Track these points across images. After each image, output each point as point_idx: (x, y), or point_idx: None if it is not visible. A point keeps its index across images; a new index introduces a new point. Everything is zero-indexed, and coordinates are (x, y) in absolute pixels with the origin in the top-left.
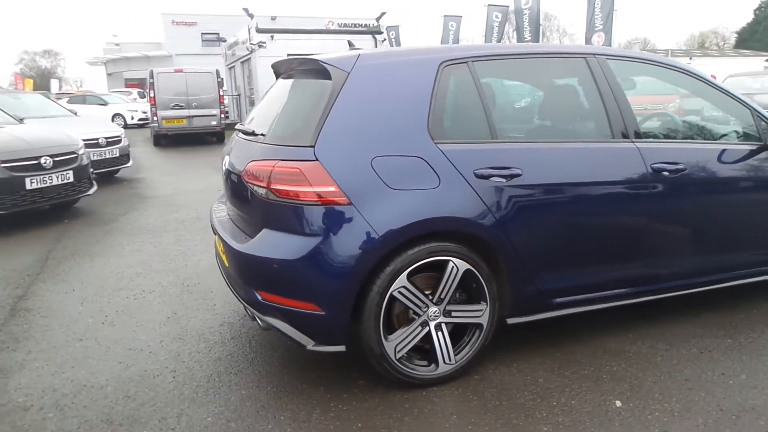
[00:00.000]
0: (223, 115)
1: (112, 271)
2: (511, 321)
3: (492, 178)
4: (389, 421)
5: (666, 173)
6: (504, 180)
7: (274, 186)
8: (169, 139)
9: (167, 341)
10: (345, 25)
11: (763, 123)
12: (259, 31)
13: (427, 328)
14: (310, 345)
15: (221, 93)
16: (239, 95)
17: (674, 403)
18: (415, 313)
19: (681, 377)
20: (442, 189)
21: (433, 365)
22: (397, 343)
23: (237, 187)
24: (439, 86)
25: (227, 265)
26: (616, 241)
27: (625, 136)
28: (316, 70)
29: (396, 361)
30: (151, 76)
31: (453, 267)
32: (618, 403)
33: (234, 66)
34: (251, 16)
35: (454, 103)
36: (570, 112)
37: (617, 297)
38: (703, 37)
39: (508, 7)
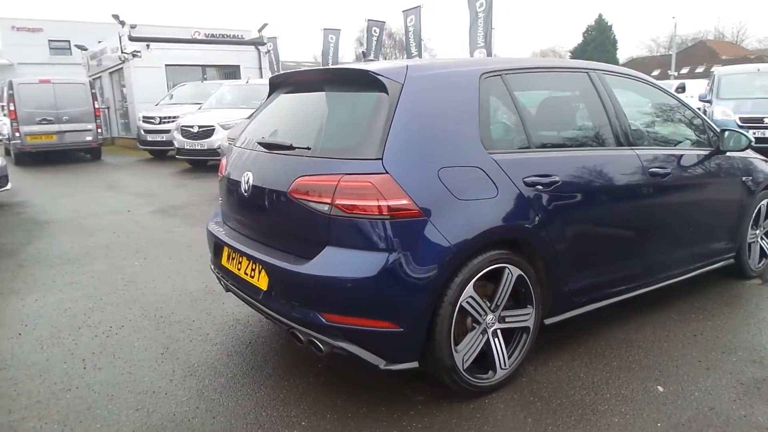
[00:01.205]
0: (99, 130)
1: (56, 309)
2: (547, 321)
3: (537, 186)
4: None
5: (658, 177)
6: (546, 187)
7: (340, 201)
8: (33, 158)
9: (178, 379)
10: (213, 35)
11: (711, 132)
12: (132, 39)
13: (486, 336)
14: (382, 364)
15: (97, 106)
16: (108, 108)
17: (702, 382)
18: (475, 321)
19: (693, 359)
20: (500, 198)
21: (490, 372)
22: (464, 354)
23: (274, 205)
24: (482, 97)
25: (265, 288)
26: (625, 239)
27: (626, 144)
28: (364, 80)
29: (464, 372)
30: (10, 87)
31: (508, 273)
32: (660, 389)
33: (100, 77)
34: (123, 23)
35: (495, 113)
36: (586, 122)
37: (624, 291)
38: (544, 55)
39: (384, 22)
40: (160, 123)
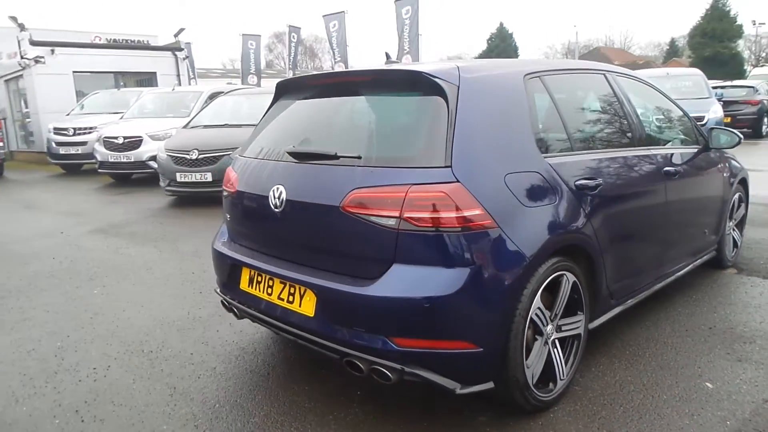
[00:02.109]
0: (1, 143)
1: (16, 352)
2: (591, 326)
3: (585, 189)
4: None
5: (670, 175)
6: (592, 190)
7: (410, 214)
8: None
9: (204, 425)
10: (115, 41)
11: (697, 130)
12: (34, 43)
13: (547, 347)
14: (458, 389)
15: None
16: (4, 119)
17: (743, 375)
18: (538, 333)
19: (722, 352)
20: (559, 203)
21: (551, 384)
22: (533, 368)
23: (321, 221)
24: (529, 99)
25: (311, 314)
26: (649, 237)
27: (645, 144)
28: (417, 82)
29: (534, 388)
30: None
31: (566, 281)
32: (709, 385)
33: None
34: (22, 26)
35: (541, 115)
36: (614, 123)
37: (645, 289)
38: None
39: (300, 28)
40: (74, 134)
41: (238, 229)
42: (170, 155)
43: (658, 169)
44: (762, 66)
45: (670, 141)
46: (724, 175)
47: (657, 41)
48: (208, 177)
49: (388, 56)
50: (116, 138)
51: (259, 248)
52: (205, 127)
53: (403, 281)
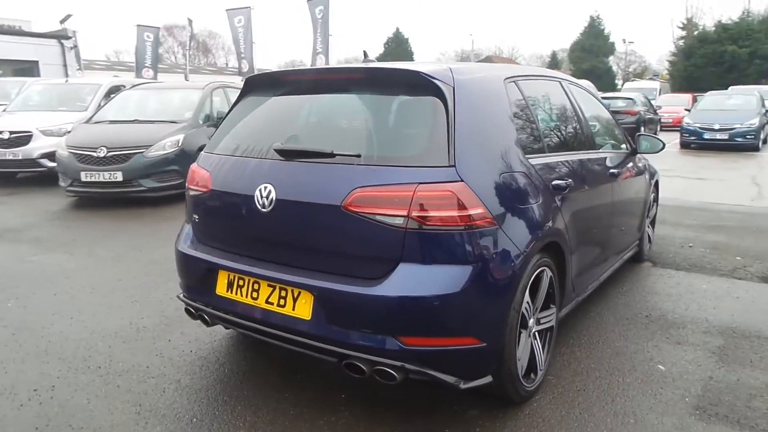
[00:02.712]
0: None
1: None
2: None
3: (558, 189)
4: None
5: (614, 176)
6: (563, 190)
7: (418, 213)
8: None
9: None
10: None
11: (625, 136)
12: None
13: (530, 340)
14: (461, 384)
15: None
16: None
17: (686, 356)
18: (523, 326)
19: (662, 337)
20: (542, 203)
21: (532, 374)
22: (522, 360)
23: (318, 221)
24: (510, 102)
25: (308, 317)
26: (601, 234)
27: (595, 147)
28: (413, 82)
29: (523, 380)
30: None
31: (546, 275)
32: (661, 368)
33: None
34: None
35: (518, 118)
36: (572, 127)
37: (594, 281)
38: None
39: (159, 28)
40: None
41: (212, 230)
42: (73, 153)
43: (606, 171)
44: (633, 80)
45: (608, 145)
46: (646, 176)
47: (540, 53)
48: (119, 176)
49: (366, 54)
50: (1, 133)
51: (239, 250)
52: (111, 122)
53: (411, 280)
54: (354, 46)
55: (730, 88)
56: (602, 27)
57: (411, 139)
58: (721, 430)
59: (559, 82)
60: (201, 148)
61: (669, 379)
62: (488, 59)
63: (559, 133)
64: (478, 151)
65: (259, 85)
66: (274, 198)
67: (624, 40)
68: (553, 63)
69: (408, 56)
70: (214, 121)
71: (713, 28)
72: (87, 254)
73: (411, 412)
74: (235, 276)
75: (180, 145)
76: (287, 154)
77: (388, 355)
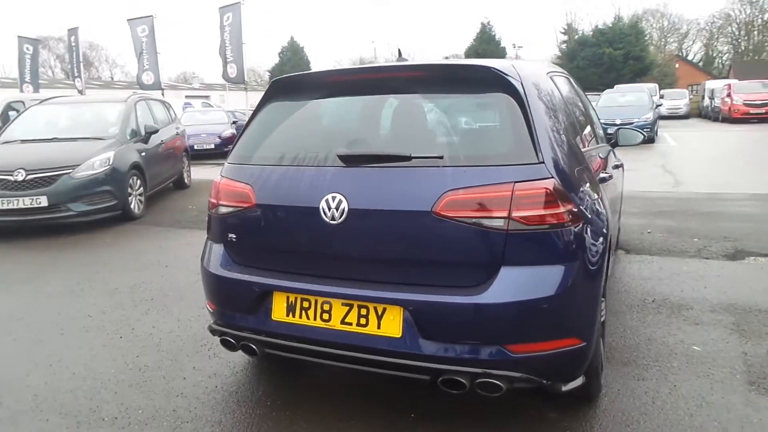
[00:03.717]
0: None
1: None
2: None
3: (603, 182)
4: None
5: (618, 167)
6: (605, 182)
7: (519, 213)
8: None
9: None
10: None
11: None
12: None
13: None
14: (563, 387)
15: None
16: None
17: (709, 334)
18: None
19: (679, 321)
20: (601, 196)
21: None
22: (600, 357)
23: (403, 230)
24: (559, 96)
25: (398, 333)
26: (613, 224)
27: (602, 140)
28: (485, 79)
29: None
30: None
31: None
32: (697, 348)
33: None
34: None
35: (566, 112)
36: (590, 121)
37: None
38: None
39: (39, 41)
40: None
41: (258, 249)
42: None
43: (614, 162)
44: None
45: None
46: (621, 169)
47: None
48: (43, 201)
49: (400, 53)
50: None
51: (299, 269)
52: (24, 142)
53: (518, 284)
54: (246, 56)
55: (616, 86)
56: (493, 33)
57: (494, 137)
58: None
59: (568, 78)
60: (135, 166)
61: (710, 359)
62: None
63: (587, 127)
64: (555, 146)
65: (292, 87)
66: (346, 208)
67: (514, 44)
68: None
69: (305, 65)
70: (142, 137)
71: (591, 33)
72: (32, 291)
73: (488, 419)
74: (297, 297)
75: (111, 163)
76: (354, 160)
77: (495, 365)
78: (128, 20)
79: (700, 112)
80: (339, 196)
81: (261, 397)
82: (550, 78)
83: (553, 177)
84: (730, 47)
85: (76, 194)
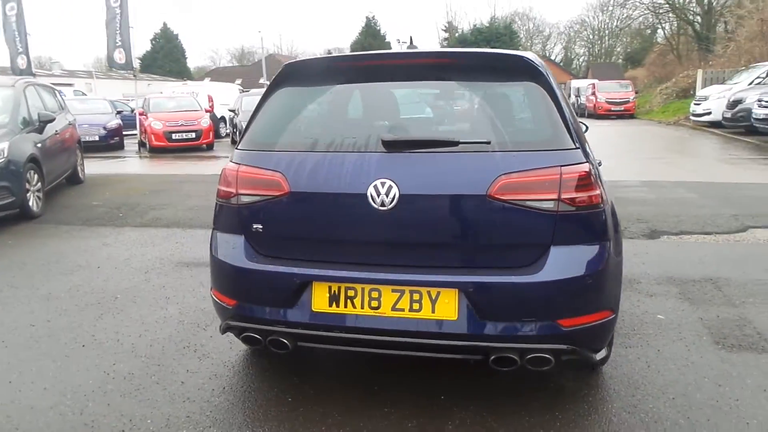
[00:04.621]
0: None
1: None
2: None
3: None
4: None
5: None
6: None
7: (567, 195)
8: None
9: None
10: None
11: None
12: None
13: None
14: (597, 357)
15: None
16: None
17: (666, 303)
18: None
19: (644, 294)
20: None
21: None
22: None
23: (456, 214)
24: None
25: (455, 316)
26: None
27: None
28: (515, 67)
29: None
30: None
31: None
32: (661, 317)
33: None
34: None
35: None
36: None
37: None
38: (109, 61)
39: None
40: None
41: (291, 239)
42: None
43: None
44: None
45: None
46: None
47: (316, 52)
48: None
49: (411, 40)
50: None
51: (341, 257)
52: None
53: (567, 262)
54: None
55: None
56: (378, 27)
57: (532, 123)
58: (748, 356)
59: None
60: (32, 159)
61: (675, 324)
62: (271, 58)
63: None
64: (579, 133)
65: (309, 72)
66: (396, 194)
67: (398, 40)
68: None
69: (180, 54)
70: (36, 126)
71: (470, 31)
72: None
73: (515, 398)
74: (340, 287)
75: (6, 155)
76: (399, 146)
77: (548, 340)
78: None
79: None
80: (389, 182)
81: (278, 394)
82: None
83: (587, 161)
84: (585, 50)
85: None
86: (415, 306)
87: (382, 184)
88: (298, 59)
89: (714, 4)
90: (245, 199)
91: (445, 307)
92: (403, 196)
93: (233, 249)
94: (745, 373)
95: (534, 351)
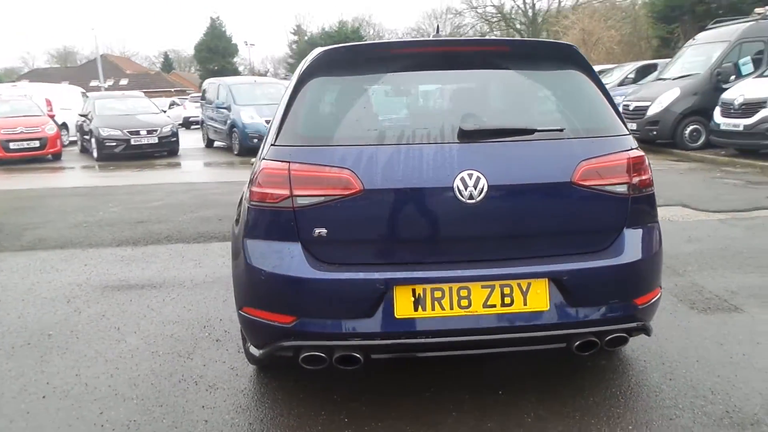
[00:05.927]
0: None
1: None
2: None
3: None
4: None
5: None
6: None
7: (636, 178)
8: None
9: None
10: None
11: None
12: None
13: None
14: (651, 333)
15: None
16: None
17: None
18: None
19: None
20: None
21: None
22: None
23: (542, 201)
24: None
25: (546, 306)
26: None
27: None
28: (566, 56)
29: None
30: None
31: None
32: None
33: None
34: None
35: None
36: None
37: None
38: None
39: None
40: None
41: (363, 242)
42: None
43: None
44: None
45: None
46: None
47: (150, 53)
48: None
49: (438, 29)
50: None
51: (422, 257)
52: None
53: (640, 243)
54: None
55: None
56: (224, 29)
57: (590, 110)
58: (723, 316)
59: None
60: None
61: None
62: (104, 58)
63: None
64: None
65: (347, 61)
66: (485, 186)
67: (246, 42)
68: (167, 64)
69: None
70: None
71: (320, 35)
72: None
73: (553, 380)
74: (425, 289)
75: None
76: (475, 136)
77: (628, 319)
78: None
79: None
80: (476, 173)
81: (329, 415)
82: None
83: (638, 147)
84: None
85: None
86: (507, 300)
87: (470, 175)
88: (333, 46)
89: (537, 15)
90: (303, 201)
91: (536, 297)
92: (491, 187)
93: (290, 258)
94: (734, 331)
95: (613, 332)
